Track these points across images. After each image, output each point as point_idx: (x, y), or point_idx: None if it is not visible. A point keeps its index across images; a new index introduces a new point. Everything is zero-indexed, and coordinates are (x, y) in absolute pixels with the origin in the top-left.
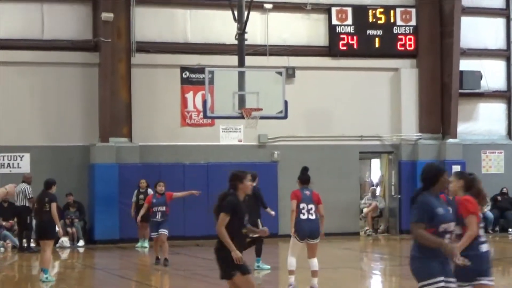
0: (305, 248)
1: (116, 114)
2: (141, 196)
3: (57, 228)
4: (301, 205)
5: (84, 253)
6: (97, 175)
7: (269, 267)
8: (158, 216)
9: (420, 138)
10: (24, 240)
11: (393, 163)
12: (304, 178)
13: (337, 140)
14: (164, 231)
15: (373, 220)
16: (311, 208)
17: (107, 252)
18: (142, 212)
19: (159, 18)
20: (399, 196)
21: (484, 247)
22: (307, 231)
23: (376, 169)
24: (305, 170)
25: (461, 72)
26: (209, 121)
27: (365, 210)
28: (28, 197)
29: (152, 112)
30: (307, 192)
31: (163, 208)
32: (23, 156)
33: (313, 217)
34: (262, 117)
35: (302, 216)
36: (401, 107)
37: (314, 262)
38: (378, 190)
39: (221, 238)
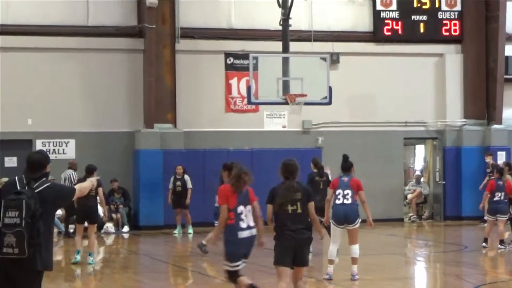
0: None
1: (160, 100)
2: (178, 183)
3: (101, 213)
4: (337, 191)
5: (128, 239)
6: (142, 161)
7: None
8: None
9: (465, 124)
10: (70, 226)
11: (437, 149)
12: (344, 165)
13: (381, 126)
14: None
15: (418, 206)
16: (347, 194)
17: (151, 238)
18: None
19: (203, 4)
20: (444, 182)
21: (244, 234)
22: (342, 215)
23: (420, 155)
24: (345, 157)
25: (507, 57)
26: (253, 107)
27: (409, 196)
28: (73, 183)
29: (196, 98)
30: (345, 179)
31: None
32: (68, 142)
33: (349, 201)
34: (306, 103)
35: (337, 201)
36: (446, 93)
37: (355, 249)
38: (422, 176)
39: (317, 224)
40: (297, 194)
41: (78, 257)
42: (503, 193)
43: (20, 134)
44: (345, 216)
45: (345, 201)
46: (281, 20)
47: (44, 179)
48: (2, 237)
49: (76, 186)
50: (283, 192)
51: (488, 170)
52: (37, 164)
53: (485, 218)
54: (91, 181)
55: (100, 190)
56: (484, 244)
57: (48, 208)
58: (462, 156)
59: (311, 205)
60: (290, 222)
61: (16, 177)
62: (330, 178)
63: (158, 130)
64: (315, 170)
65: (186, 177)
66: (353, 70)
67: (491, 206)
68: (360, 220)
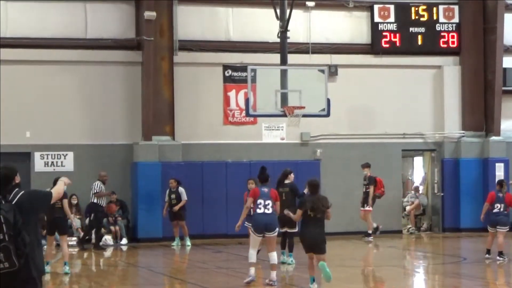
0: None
1: (159, 112)
2: (173, 196)
3: (73, 223)
4: (258, 201)
5: (127, 251)
6: (140, 173)
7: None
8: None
9: (463, 136)
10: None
11: (436, 161)
12: (262, 177)
13: (379, 138)
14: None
15: (416, 218)
16: (268, 204)
17: (150, 250)
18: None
19: (201, 16)
20: (442, 194)
21: None
22: (263, 224)
23: (419, 167)
24: (263, 169)
25: (505, 69)
26: (252, 119)
27: (407, 208)
28: (94, 191)
29: (194, 110)
30: (265, 190)
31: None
32: (66, 154)
33: (269, 211)
34: (304, 115)
35: (258, 211)
36: (444, 105)
37: (274, 256)
38: (420, 188)
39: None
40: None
41: (48, 268)
42: (502, 205)
43: (18, 147)
44: (265, 225)
45: (266, 211)
46: (279, 32)
47: (17, 189)
48: None
49: (53, 190)
50: (313, 202)
51: (365, 183)
52: (2, 179)
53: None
54: (62, 181)
55: (65, 201)
56: (487, 255)
57: (28, 216)
58: (461, 167)
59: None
60: (312, 223)
61: None
62: (296, 190)
63: (156, 143)
64: (287, 181)
65: (181, 189)
66: (351, 82)
67: (490, 218)
68: (278, 229)
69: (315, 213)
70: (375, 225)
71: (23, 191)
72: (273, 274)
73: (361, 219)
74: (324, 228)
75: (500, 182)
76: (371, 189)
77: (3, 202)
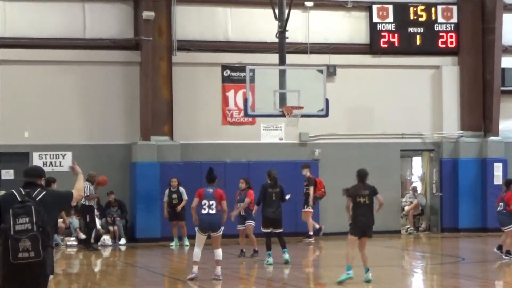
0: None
1: (157, 112)
2: (174, 196)
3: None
4: (203, 201)
5: (125, 251)
6: (139, 173)
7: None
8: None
9: (462, 136)
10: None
11: (434, 161)
12: (209, 177)
13: (378, 138)
14: (250, 223)
15: (415, 218)
16: (212, 204)
17: (148, 250)
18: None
19: (200, 16)
20: (441, 194)
21: None
22: (207, 224)
23: (417, 167)
24: (211, 170)
25: (503, 69)
26: (250, 119)
27: (406, 208)
28: (84, 194)
29: (193, 110)
30: (210, 190)
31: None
32: (65, 154)
33: (213, 211)
34: (303, 115)
35: (202, 211)
36: (443, 105)
37: (218, 252)
38: (419, 188)
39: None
40: (365, 191)
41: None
42: (502, 204)
43: (17, 147)
44: (209, 225)
45: (210, 211)
46: (277, 32)
47: (40, 189)
48: (17, 243)
49: (74, 188)
50: (356, 190)
51: (305, 184)
52: (32, 171)
53: None
54: (80, 176)
55: None
56: (495, 249)
57: (49, 214)
58: (459, 168)
59: (378, 196)
60: (361, 210)
61: (14, 190)
62: (284, 192)
63: (154, 143)
64: (269, 181)
65: (182, 189)
66: (349, 82)
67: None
68: (223, 228)
69: (364, 199)
70: (317, 226)
71: (45, 191)
72: (218, 269)
73: (303, 220)
74: (373, 214)
75: (504, 181)
76: (311, 190)
77: (26, 198)
